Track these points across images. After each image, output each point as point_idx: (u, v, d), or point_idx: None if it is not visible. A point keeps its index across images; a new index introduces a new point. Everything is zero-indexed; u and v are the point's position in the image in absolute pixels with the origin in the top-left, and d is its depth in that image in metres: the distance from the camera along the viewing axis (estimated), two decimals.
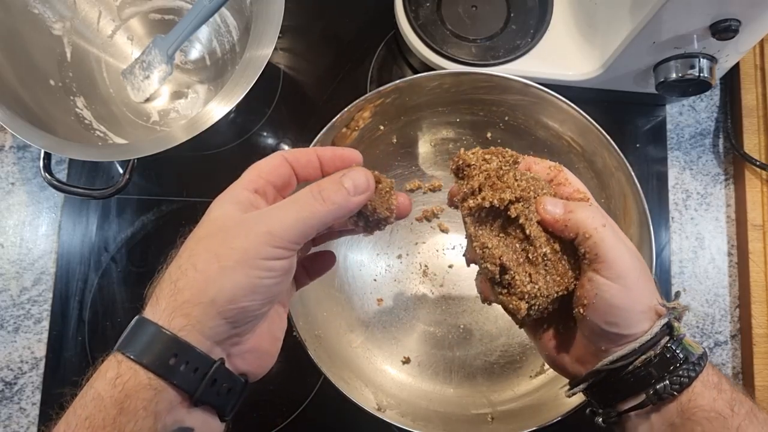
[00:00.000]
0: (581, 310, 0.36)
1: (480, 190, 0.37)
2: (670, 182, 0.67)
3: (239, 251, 0.32)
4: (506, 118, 0.58)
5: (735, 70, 0.67)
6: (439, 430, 0.52)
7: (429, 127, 0.61)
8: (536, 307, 0.37)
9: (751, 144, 0.66)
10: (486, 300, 0.41)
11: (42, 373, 0.62)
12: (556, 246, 0.37)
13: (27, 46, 0.60)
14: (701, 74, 0.55)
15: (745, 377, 0.63)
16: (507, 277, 0.36)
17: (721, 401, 0.34)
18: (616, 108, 0.67)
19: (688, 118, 0.69)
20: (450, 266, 0.61)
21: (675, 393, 0.34)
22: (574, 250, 0.37)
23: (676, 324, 0.36)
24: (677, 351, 0.35)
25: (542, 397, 0.54)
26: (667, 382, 0.35)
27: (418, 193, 0.62)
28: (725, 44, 0.54)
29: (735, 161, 0.67)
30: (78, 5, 0.64)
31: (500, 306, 0.39)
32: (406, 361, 0.58)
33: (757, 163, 0.64)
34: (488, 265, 0.36)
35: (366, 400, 0.51)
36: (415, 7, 0.63)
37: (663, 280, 0.64)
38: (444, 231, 0.61)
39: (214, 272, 0.32)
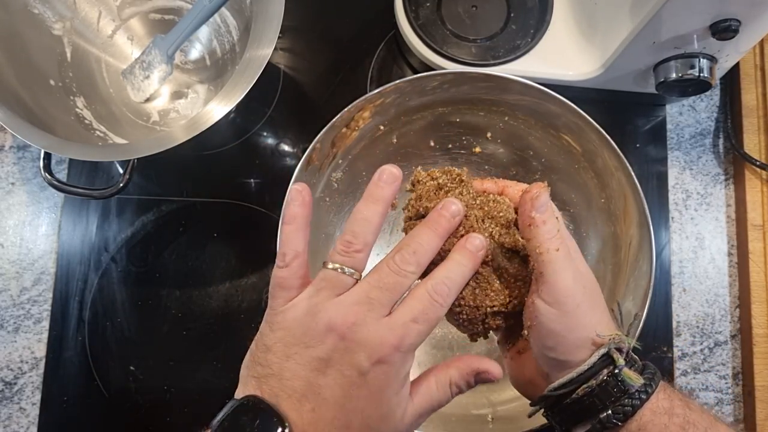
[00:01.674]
0: (526, 332, 0.37)
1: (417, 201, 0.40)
2: (670, 182, 0.67)
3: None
4: (506, 118, 0.58)
5: (735, 70, 0.67)
6: (439, 431, 0.52)
7: (429, 127, 0.61)
8: (464, 316, 0.38)
9: (751, 144, 0.66)
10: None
11: (42, 373, 0.62)
12: (492, 264, 0.38)
13: (27, 46, 0.60)
14: (701, 74, 0.55)
15: (745, 377, 0.63)
16: None
17: (673, 426, 0.35)
18: (616, 108, 0.67)
19: (688, 118, 0.69)
20: None
21: (619, 423, 0.35)
22: (518, 272, 0.39)
23: (615, 355, 0.35)
24: (618, 382, 0.35)
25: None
26: (611, 411, 0.35)
27: None
28: (725, 44, 0.54)
29: (735, 161, 0.67)
30: (78, 5, 0.64)
31: None
32: None
33: (757, 163, 0.64)
34: None
35: None
36: (415, 7, 0.63)
37: (663, 281, 0.64)
38: None
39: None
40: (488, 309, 0.38)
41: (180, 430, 0.46)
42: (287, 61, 0.69)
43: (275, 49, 0.52)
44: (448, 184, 0.40)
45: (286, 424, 0.32)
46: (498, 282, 0.38)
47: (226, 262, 0.64)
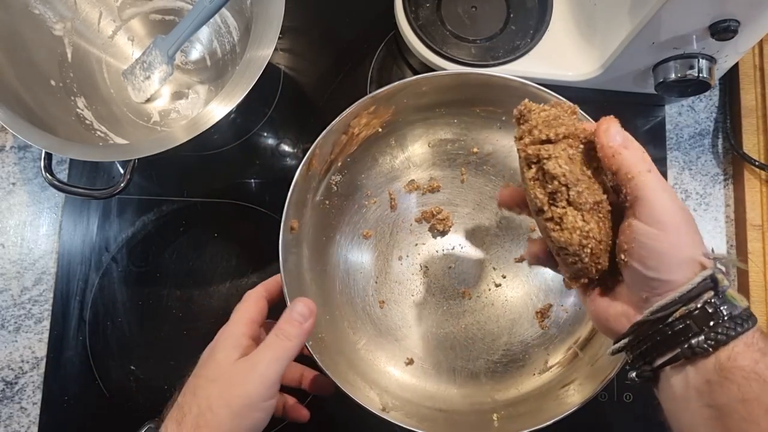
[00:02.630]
0: (623, 257, 0.36)
1: (536, 129, 0.38)
2: (670, 182, 0.67)
3: (244, 398, 0.41)
4: (503, 119, 0.58)
5: (734, 71, 0.67)
6: (444, 431, 0.52)
7: (427, 128, 0.61)
8: (588, 250, 0.36)
9: (750, 144, 0.66)
10: (533, 258, 0.43)
11: (43, 372, 0.62)
12: (611, 198, 0.37)
13: (28, 46, 0.60)
14: (700, 74, 0.55)
15: None
16: (560, 205, 0.36)
17: (764, 364, 0.33)
18: (615, 108, 0.65)
19: (688, 118, 0.69)
20: (450, 267, 0.61)
21: (710, 349, 0.33)
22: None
23: (719, 276, 0.34)
24: (720, 306, 0.34)
25: (546, 395, 0.54)
26: (703, 337, 0.34)
27: (416, 194, 0.62)
28: (724, 45, 0.54)
29: (734, 161, 0.68)
30: (79, 6, 0.64)
31: (546, 268, 0.42)
32: (410, 362, 0.58)
33: (756, 163, 0.64)
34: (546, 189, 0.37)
35: (371, 401, 0.51)
36: (415, 8, 0.64)
37: None
38: (444, 232, 0.61)
39: (227, 417, 0.41)
40: (607, 242, 0.37)
41: None
42: (287, 61, 0.69)
43: (275, 49, 0.52)
44: (563, 116, 0.39)
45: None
46: (610, 218, 0.38)
47: (226, 262, 0.64)
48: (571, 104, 0.40)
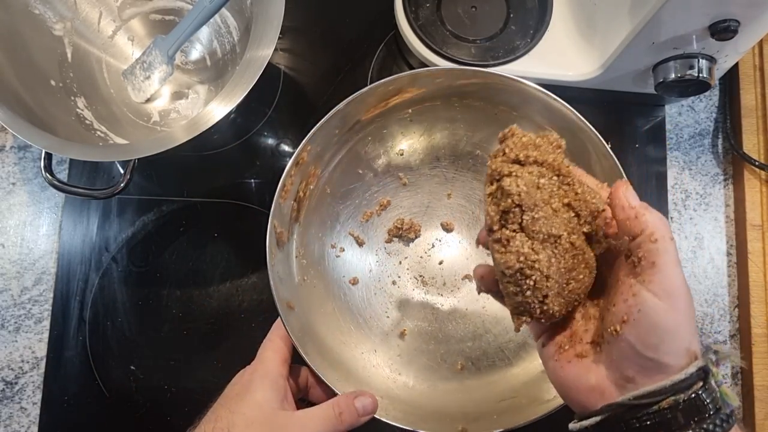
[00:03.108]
0: (617, 327, 0.33)
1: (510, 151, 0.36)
2: (669, 182, 0.67)
3: None
4: (496, 113, 0.58)
5: (734, 71, 0.67)
6: (434, 429, 0.52)
7: (349, 154, 0.60)
8: (531, 282, 0.34)
9: (750, 144, 0.66)
10: (480, 285, 0.42)
11: (43, 372, 0.62)
12: (576, 240, 0.35)
13: (28, 46, 0.60)
14: (700, 74, 0.55)
15: (744, 377, 0.63)
16: (511, 227, 0.34)
17: None
18: (615, 108, 0.67)
19: (687, 118, 0.69)
20: (440, 263, 0.61)
21: None
22: (590, 265, 0.35)
23: (714, 369, 0.32)
24: (708, 400, 0.31)
25: (529, 394, 0.54)
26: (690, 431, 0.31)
27: (374, 219, 0.61)
28: (724, 45, 0.54)
29: (734, 161, 0.68)
30: (79, 6, 0.64)
31: (499, 302, 0.40)
32: (400, 360, 0.58)
33: (756, 163, 0.64)
34: (498, 205, 0.34)
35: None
36: (415, 8, 0.64)
37: None
38: (416, 237, 0.61)
39: None
40: (564, 286, 0.35)
41: (180, 430, 0.46)
42: (287, 61, 0.69)
43: (275, 49, 0.52)
44: (544, 146, 0.36)
45: None
46: (572, 259, 0.35)
47: (226, 262, 0.64)
48: (558, 137, 0.37)
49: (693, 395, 0.31)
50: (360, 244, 0.61)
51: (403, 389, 0.56)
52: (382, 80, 0.52)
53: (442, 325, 0.60)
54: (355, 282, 0.60)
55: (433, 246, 0.61)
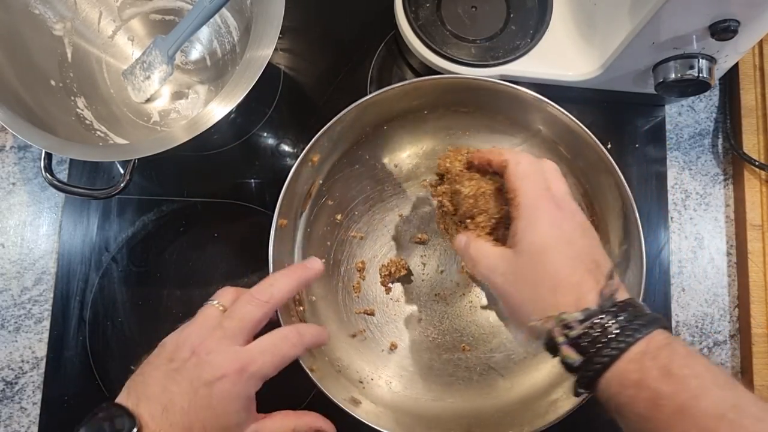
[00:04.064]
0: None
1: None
2: (669, 182, 0.67)
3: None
4: (489, 115, 0.59)
5: (734, 71, 0.67)
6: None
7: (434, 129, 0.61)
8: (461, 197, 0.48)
9: (750, 144, 0.66)
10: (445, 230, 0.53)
11: (43, 372, 0.62)
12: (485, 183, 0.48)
13: (28, 46, 0.60)
14: (700, 74, 0.55)
15: (744, 377, 0.63)
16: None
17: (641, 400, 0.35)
18: (615, 108, 0.67)
19: (687, 118, 0.69)
20: (436, 294, 0.61)
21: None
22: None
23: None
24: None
25: (529, 401, 0.55)
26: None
27: (367, 271, 0.61)
28: (724, 45, 0.54)
29: (734, 161, 0.68)
30: (79, 6, 0.64)
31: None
32: (401, 372, 0.58)
33: (756, 163, 0.64)
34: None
35: (365, 413, 0.51)
36: (415, 8, 0.64)
37: (662, 281, 0.64)
38: (407, 275, 0.61)
39: None
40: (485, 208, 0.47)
41: None
42: (287, 61, 0.69)
43: (275, 49, 0.52)
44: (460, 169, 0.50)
45: (135, 421, 0.40)
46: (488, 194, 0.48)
47: (226, 262, 0.64)
48: (467, 150, 0.51)
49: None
50: (371, 314, 0.60)
51: (404, 400, 0.57)
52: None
53: (442, 336, 0.60)
54: (362, 332, 0.59)
55: (424, 265, 0.61)
